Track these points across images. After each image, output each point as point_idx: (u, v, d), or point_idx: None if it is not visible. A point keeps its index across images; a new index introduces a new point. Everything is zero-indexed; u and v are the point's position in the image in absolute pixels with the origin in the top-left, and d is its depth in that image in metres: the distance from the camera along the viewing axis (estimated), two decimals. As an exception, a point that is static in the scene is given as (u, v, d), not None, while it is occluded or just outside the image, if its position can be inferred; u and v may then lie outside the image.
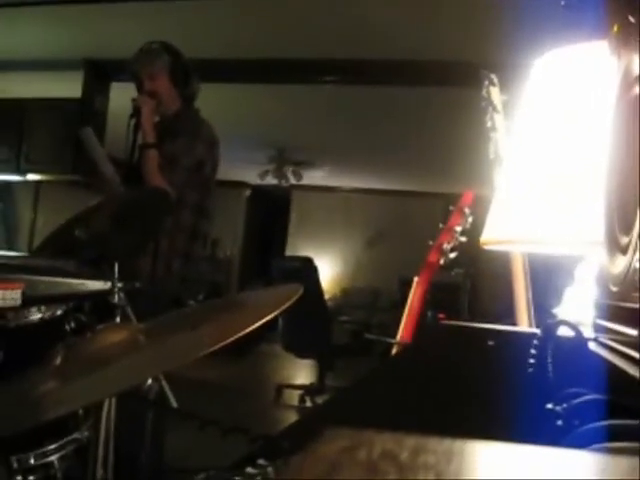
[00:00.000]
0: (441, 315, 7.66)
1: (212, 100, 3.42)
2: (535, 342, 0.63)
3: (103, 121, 5.95)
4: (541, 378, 0.62)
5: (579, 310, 1.04)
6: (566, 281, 1.21)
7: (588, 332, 0.73)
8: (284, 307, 0.93)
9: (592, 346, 0.71)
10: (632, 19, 0.60)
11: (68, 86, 5.84)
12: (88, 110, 5.91)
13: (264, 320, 0.86)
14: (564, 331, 0.70)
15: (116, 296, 1.79)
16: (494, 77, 1.73)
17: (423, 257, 2.39)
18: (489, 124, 1.69)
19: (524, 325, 1.64)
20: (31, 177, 6.43)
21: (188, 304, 3.06)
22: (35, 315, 1.49)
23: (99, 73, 5.97)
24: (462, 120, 4.43)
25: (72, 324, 1.60)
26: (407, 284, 2.52)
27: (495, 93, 1.70)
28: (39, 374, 1.19)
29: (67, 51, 5.76)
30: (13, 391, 1.15)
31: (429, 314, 7.40)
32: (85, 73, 5.94)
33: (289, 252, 11.51)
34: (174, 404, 2.37)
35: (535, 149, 1.07)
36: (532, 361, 0.62)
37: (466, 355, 0.81)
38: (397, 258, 9.30)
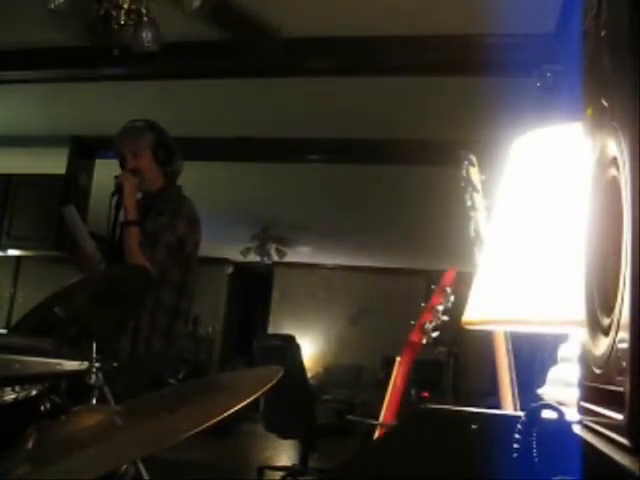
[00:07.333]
0: (425, 394, 7.59)
1: (195, 178, 3.44)
2: (519, 426, 0.62)
3: (86, 198, 5.96)
4: (526, 463, 0.61)
5: (563, 391, 1.02)
6: (550, 359, 1.20)
7: (573, 414, 0.72)
8: (264, 390, 0.91)
9: (577, 430, 0.70)
10: (605, 103, 0.61)
11: (53, 162, 5.88)
12: (72, 187, 5.93)
13: (244, 403, 0.85)
14: (548, 414, 0.69)
15: (93, 376, 1.76)
16: (473, 157, 1.75)
17: (406, 334, 2.37)
18: (469, 203, 1.70)
19: (508, 404, 1.62)
20: (12, 252, 6.39)
21: (169, 383, 3.01)
22: (9, 395, 1.45)
23: (84, 150, 6.02)
24: (443, 198, 4.48)
25: (47, 405, 1.56)
26: (390, 361, 2.49)
27: (474, 173, 1.72)
28: (10, 458, 1.15)
29: (53, 128, 5.83)
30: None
31: (413, 392, 7.33)
32: (70, 150, 5.98)
33: (271, 329, 11.43)
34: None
35: (515, 228, 1.08)
36: (516, 446, 0.61)
37: (449, 439, 0.80)
38: (380, 335, 9.25)
